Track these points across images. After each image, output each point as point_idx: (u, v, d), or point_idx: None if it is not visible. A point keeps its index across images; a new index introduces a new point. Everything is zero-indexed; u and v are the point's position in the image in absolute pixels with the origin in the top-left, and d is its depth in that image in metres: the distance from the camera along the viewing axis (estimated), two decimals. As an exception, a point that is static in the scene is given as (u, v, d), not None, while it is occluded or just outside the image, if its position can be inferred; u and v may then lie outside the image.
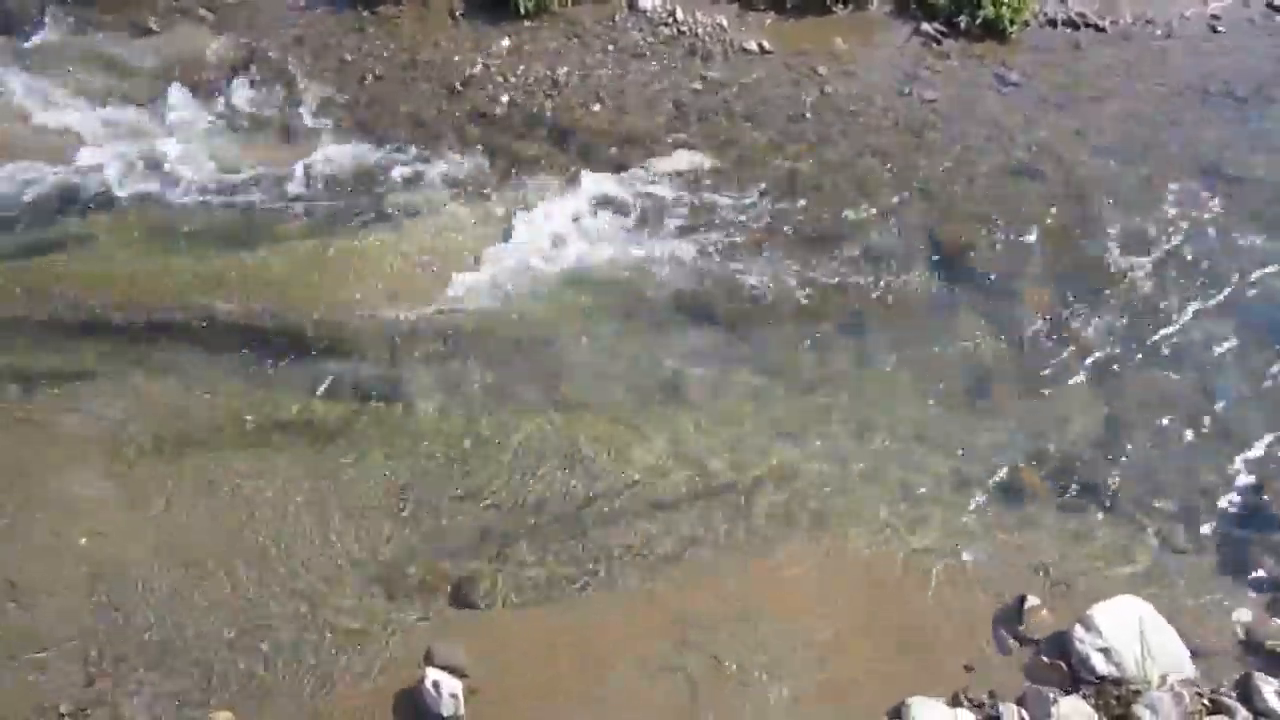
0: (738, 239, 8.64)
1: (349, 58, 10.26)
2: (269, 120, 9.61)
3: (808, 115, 10.06)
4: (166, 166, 9.01)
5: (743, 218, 8.84)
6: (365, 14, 10.76)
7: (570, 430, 7.16)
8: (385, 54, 10.33)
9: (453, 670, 5.71)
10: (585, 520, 6.62)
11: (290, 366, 7.52)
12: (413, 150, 9.31)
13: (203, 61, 10.22)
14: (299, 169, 9.02)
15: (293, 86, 9.90)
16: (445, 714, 5.49)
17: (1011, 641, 6.05)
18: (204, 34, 10.51)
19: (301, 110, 9.67)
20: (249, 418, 7.18)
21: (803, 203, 9.02)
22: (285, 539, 6.44)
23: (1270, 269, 8.66)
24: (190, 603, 6.08)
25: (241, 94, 9.87)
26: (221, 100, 9.82)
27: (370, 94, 9.89)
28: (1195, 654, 5.97)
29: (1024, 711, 5.54)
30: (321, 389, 7.42)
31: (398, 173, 9.11)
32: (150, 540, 6.42)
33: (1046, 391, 7.68)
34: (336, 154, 9.19)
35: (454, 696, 5.53)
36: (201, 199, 8.75)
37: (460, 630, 6.03)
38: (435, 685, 5.55)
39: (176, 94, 9.79)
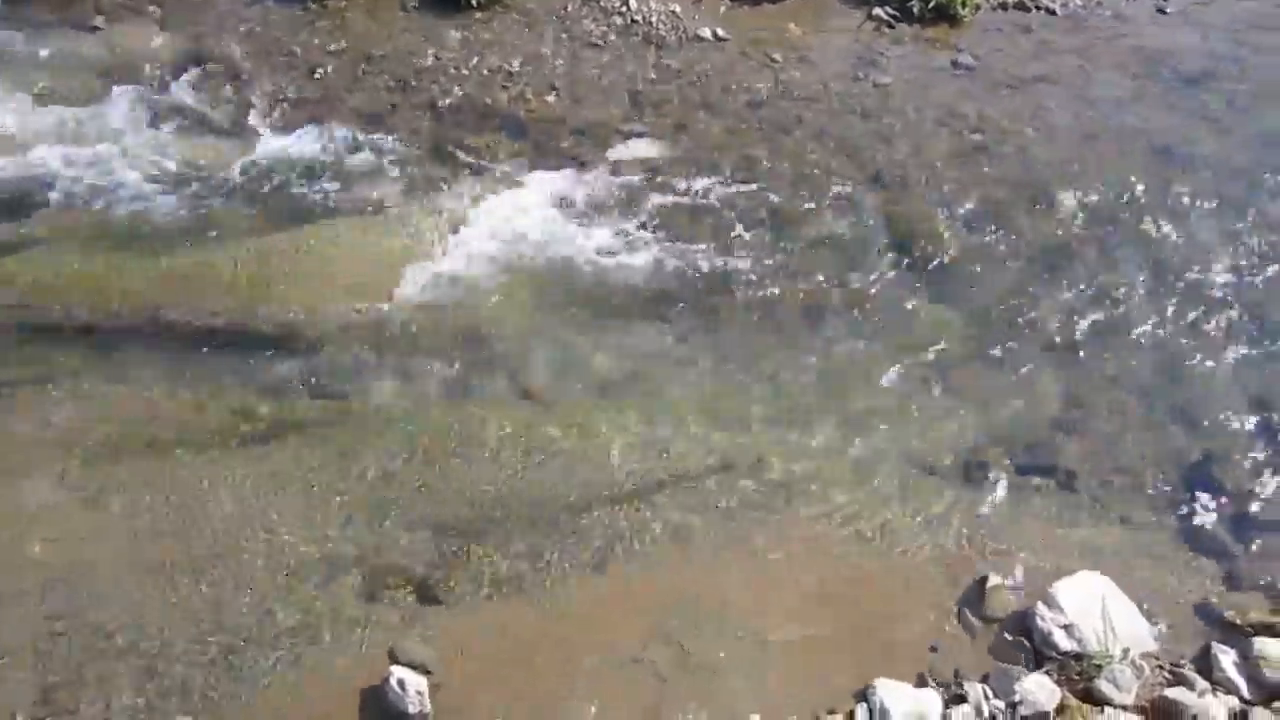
0: (695, 228, 8.62)
1: (298, 52, 10.12)
2: (217, 117, 9.44)
3: (763, 102, 10.06)
4: (113, 166, 8.82)
5: (700, 206, 8.82)
6: (314, 8, 10.63)
7: (532, 423, 7.10)
8: (335, 48, 10.21)
9: (418, 667, 5.65)
10: (549, 513, 6.56)
11: (245, 365, 7.39)
12: (365, 144, 9.20)
13: (149, 59, 10.03)
14: (249, 166, 8.88)
15: (241, 82, 9.75)
16: (411, 711, 5.43)
17: (975, 621, 6.09)
18: (150, 31, 10.32)
19: (250, 106, 9.52)
20: (204, 419, 7.05)
21: (760, 190, 9.01)
22: (244, 540, 6.33)
23: (1222, 247, 8.78)
24: (149, 608, 5.96)
25: (189, 91, 9.70)
26: (169, 98, 9.64)
27: (320, 89, 9.76)
28: (1155, 627, 6.04)
29: (989, 689, 5.57)
30: (278, 387, 7.30)
31: (350, 168, 8.99)
32: (107, 546, 6.28)
33: (1006, 373, 7.73)
34: (287, 150, 9.06)
35: (420, 694, 5.47)
36: (150, 198, 8.59)
37: (425, 627, 5.96)
38: (400, 683, 5.49)
39: (123, 92, 9.60)
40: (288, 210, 8.58)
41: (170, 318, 7.64)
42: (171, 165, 8.88)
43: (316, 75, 9.89)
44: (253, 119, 9.42)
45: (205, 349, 7.46)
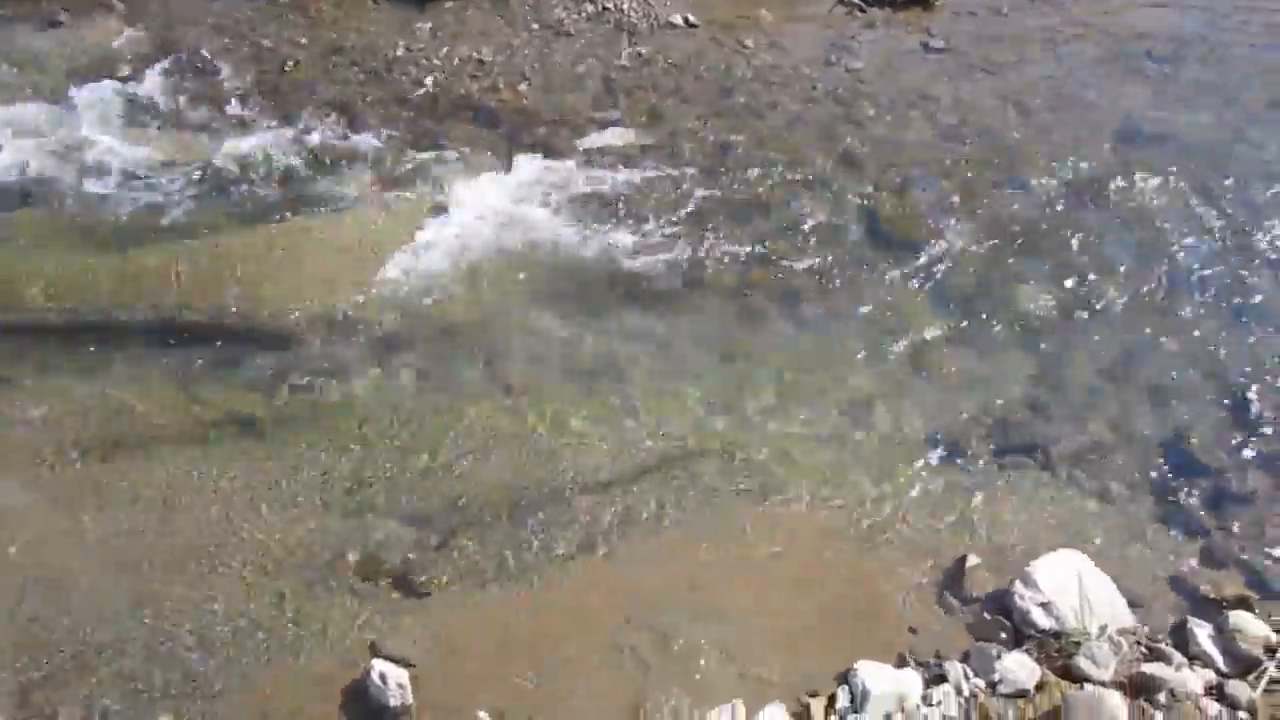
0: (670, 215, 8.61)
1: (267, 45, 10.06)
2: (188, 111, 9.38)
3: (736, 88, 10.06)
4: (83, 162, 8.77)
5: (675, 193, 8.82)
6: (283, 0, 10.55)
7: (511, 413, 7.09)
8: (305, 40, 10.15)
9: (399, 661, 5.63)
10: (530, 503, 6.55)
11: (222, 361, 7.35)
12: (338, 137, 9.16)
13: (116, 54, 9.97)
14: (221, 160, 8.82)
15: (211, 76, 9.69)
16: (393, 704, 5.41)
17: (954, 602, 6.11)
18: (116, 25, 10.25)
19: (221, 100, 9.45)
20: (180, 416, 7.00)
21: (734, 176, 9.02)
22: (223, 537, 6.29)
23: (1193, 224, 8.84)
24: (127, 608, 5.92)
25: (158, 86, 9.63)
26: (137, 93, 9.56)
27: (291, 81, 9.71)
28: (1132, 603, 6.07)
29: (969, 669, 5.60)
30: (255, 384, 7.26)
31: (323, 160, 8.95)
32: (84, 546, 6.23)
33: (981, 355, 7.75)
34: (259, 143, 9.00)
35: (401, 687, 5.45)
36: (121, 194, 8.53)
37: (406, 620, 5.94)
38: (382, 677, 5.47)
39: (90, 88, 9.51)
40: (262, 204, 8.54)
41: (143, 315, 7.57)
42: (142, 161, 8.81)
43: (286, 68, 9.83)
44: (222, 112, 9.35)
45: (180, 346, 7.40)
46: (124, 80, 9.60)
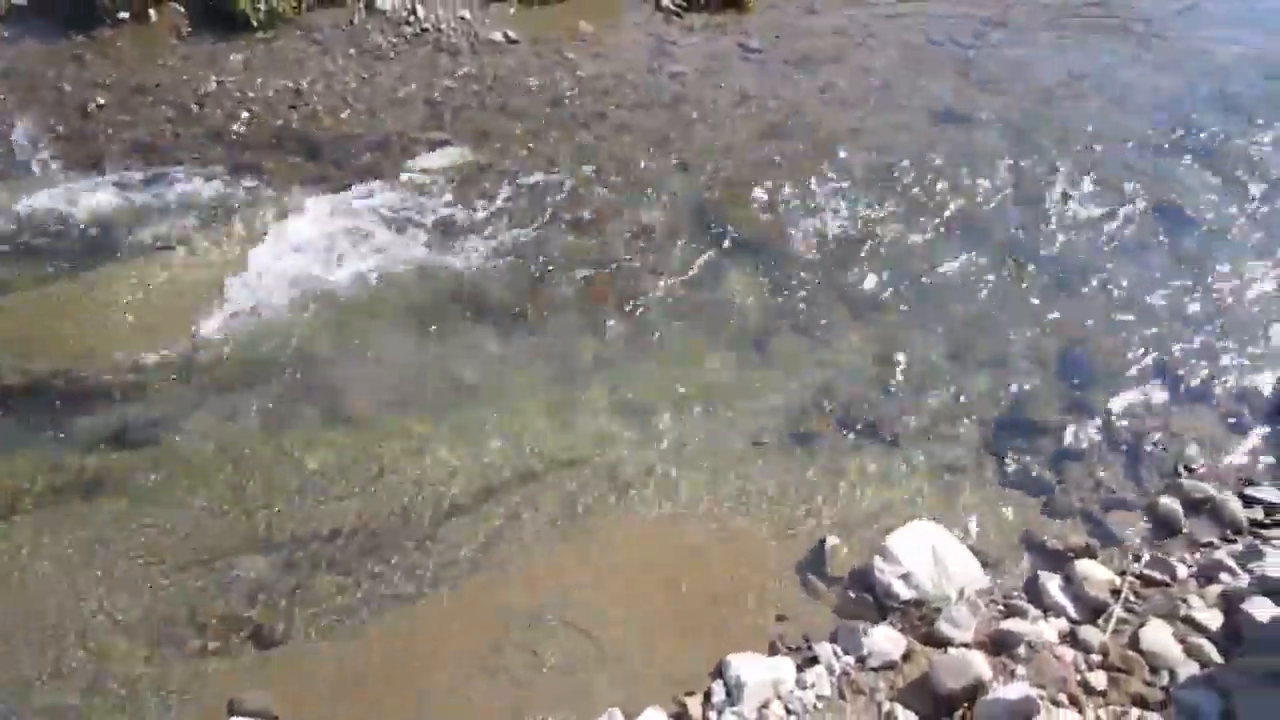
0: (506, 230, 8.53)
1: (67, 88, 9.53)
2: (-18, 164, 8.82)
3: (563, 100, 10.05)
4: None
5: (510, 209, 8.74)
6: (81, 39, 10.06)
7: (360, 447, 6.86)
8: (108, 80, 9.66)
9: (261, 716, 5.38)
10: (385, 537, 6.35)
11: (47, 423, 6.89)
12: (150, 179, 8.74)
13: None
14: (23, 212, 8.30)
15: (4, 125, 9.11)
16: (257, 762, 5.17)
17: (819, 584, 6.20)
18: (-108, 78, 9.56)
19: (17, 149, 8.90)
20: (4, 484, 6.54)
21: (567, 187, 8.99)
22: (62, 608, 5.88)
23: (1008, 197, 9.25)
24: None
25: (-54, 139, 9.02)
26: (-76, 148, 8.94)
27: (96, 124, 9.22)
28: (986, 564, 6.28)
29: (838, 648, 5.68)
30: (81, 443, 6.82)
31: (138, 204, 8.52)
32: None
33: (821, 340, 7.91)
34: (64, 192, 8.50)
35: (264, 742, 5.22)
36: (-87, 257, 7.94)
37: (265, 673, 5.67)
38: (243, 734, 5.22)
39: None
40: (73, 255, 8.07)
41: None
42: (-65, 220, 8.23)
43: (89, 110, 9.33)
44: (21, 162, 8.80)
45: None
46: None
